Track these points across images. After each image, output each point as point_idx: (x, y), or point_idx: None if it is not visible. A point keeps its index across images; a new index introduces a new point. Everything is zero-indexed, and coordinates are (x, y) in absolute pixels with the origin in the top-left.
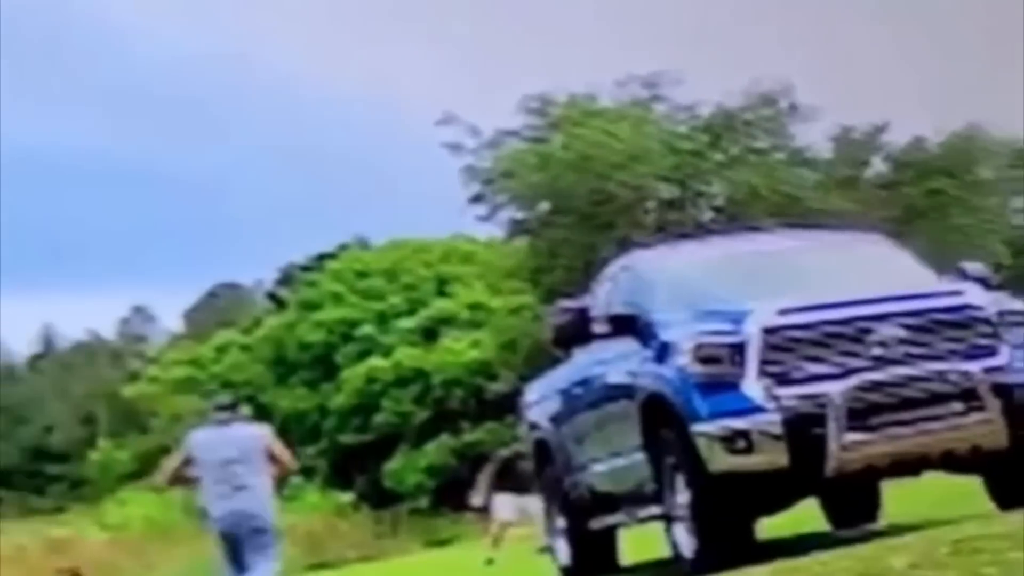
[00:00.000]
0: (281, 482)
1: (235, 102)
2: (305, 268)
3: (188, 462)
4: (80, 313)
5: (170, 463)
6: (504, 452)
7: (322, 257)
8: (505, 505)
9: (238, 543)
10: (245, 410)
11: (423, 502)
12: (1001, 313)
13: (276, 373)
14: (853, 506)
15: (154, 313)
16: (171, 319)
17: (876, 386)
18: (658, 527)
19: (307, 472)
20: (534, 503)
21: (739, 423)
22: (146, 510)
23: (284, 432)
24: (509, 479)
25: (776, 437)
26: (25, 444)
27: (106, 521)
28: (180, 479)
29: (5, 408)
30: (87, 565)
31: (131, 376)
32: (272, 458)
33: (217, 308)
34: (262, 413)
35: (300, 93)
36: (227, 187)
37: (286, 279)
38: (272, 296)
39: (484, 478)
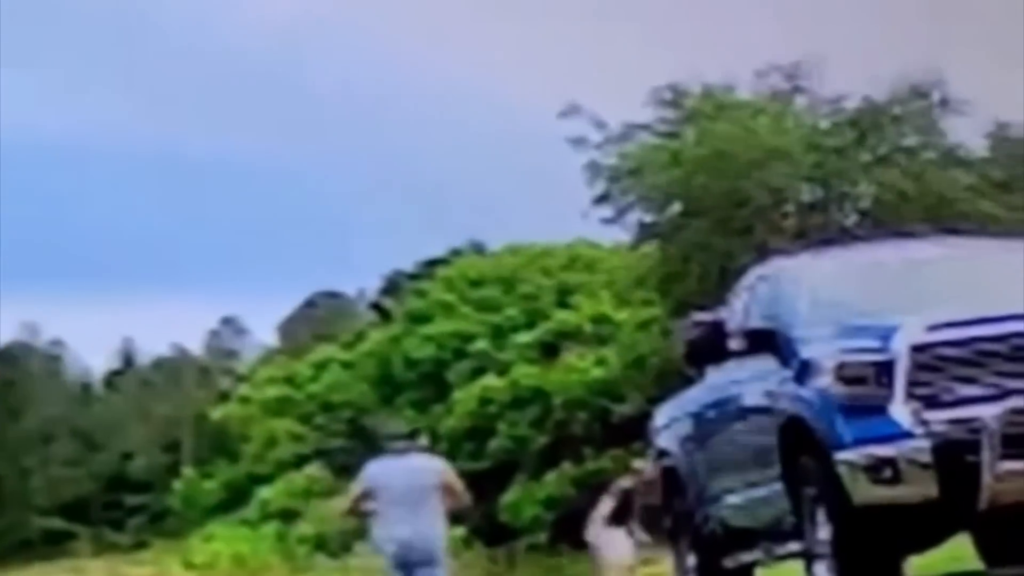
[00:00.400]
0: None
1: (339, 97)
2: (413, 276)
3: (367, 495)
4: (164, 325)
5: (351, 492)
6: (625, 481)
7: (432, 264)
8: (618, 543)
9: (408, 574)
10: (422, 440)
11: (541, 537)
12: None
13: (380, 393)
14: (1009, 542)
15: (246, 325)
16: (265, 332)
17: None
18: (798, 565)
19: None
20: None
21: (885, 450)
22: (235, 547)
23: None
24: (628, 513)
25: (925, 466)
26: (102, 472)
27: (191, 559)
28: (357, 511)
29: (80, 431)
30: None
31: (220, 396)
32: (448, 491)
33: (315, 320)
34: (364, 437)
35: (409, 85)
36: (329, 187)
37: (392, 288)
38: (376, 307)
39: (599, 511)
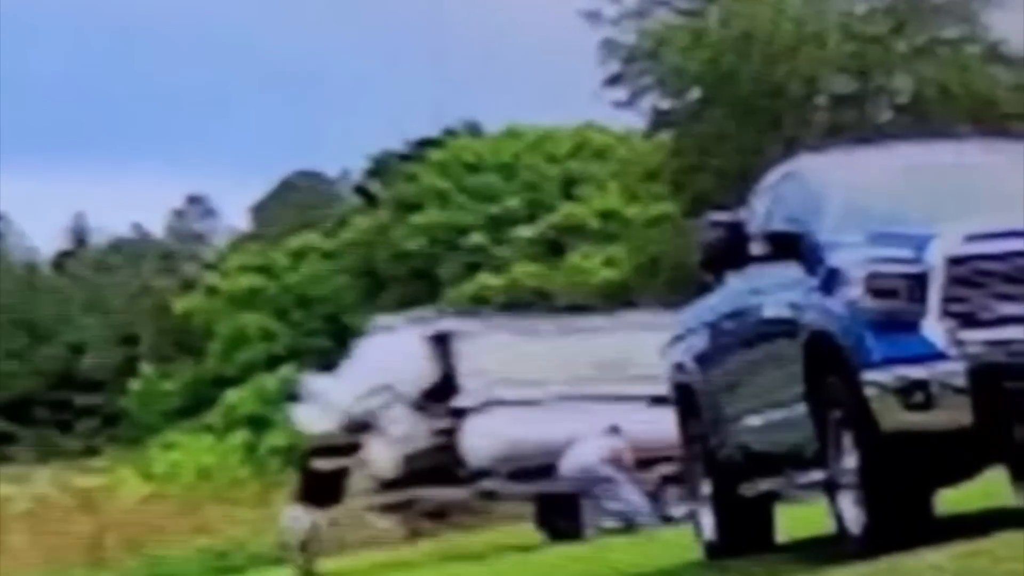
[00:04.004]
0: None
1: None
2: (403, 157)
3: None
4: (122, 202)
5: None
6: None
7: (424, 144)
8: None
9: None
10: None
11: None
12: None
13: (364, 288)
14: None
15: (215, 206)
16: (236, 214)
17: None
18: (820, 506)
19: None
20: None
21: (917, 372)
22: (199, 458)
23: None
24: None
25: (959, 390)
26: (48, 367)
27: (149, 469)
28: None
29: (23, 320)
30: (123, 525)
31: (184, 285)
32: None
33: (293, 203)
34: (344, 337)
35: None
36: (312, 55)
37: (379, 170)
38: (361, 191)
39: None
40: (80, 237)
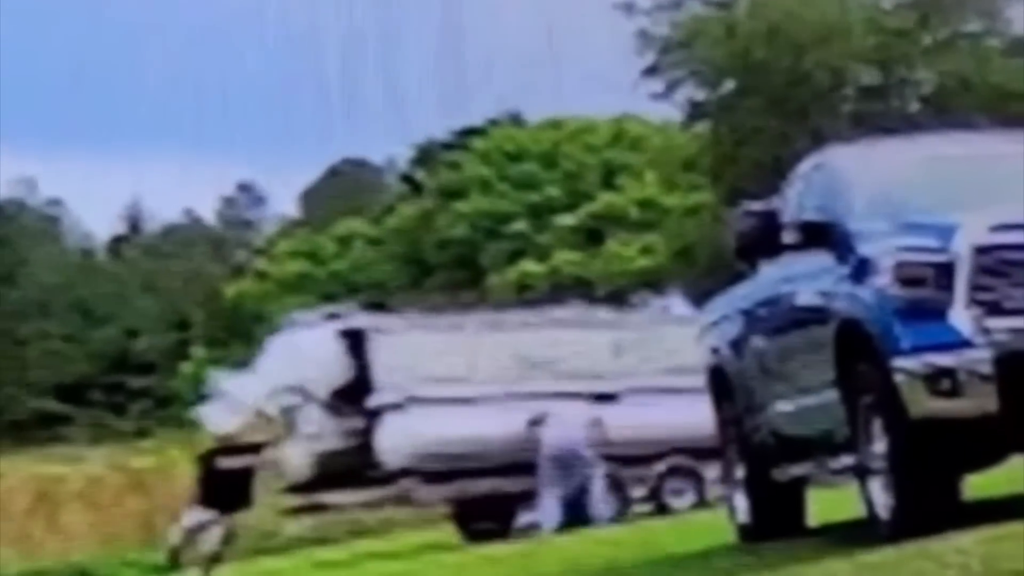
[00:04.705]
0: None
1: None
2: (447, 146)
3: None
4: (175, 189)
5: None
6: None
7: (467, 133)
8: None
9: None
10: None
11: None
12: None
13: (409, 274)
14: None
15: (264, 193)
16: (285, 201)
17: None
18: (851, 491)
19: None
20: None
21: (945, 360)
22: None
23: None
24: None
25: (986, 378)
26: (102, 350)
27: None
28: None
29: (79, 303)
30: (175, 504)
31: (234, 271)
32: None
33: (340, 190)
34: None
35: None
36: (360, 46)
37: (424, 159)
38: (407, 178)
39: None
40: (134, 223)
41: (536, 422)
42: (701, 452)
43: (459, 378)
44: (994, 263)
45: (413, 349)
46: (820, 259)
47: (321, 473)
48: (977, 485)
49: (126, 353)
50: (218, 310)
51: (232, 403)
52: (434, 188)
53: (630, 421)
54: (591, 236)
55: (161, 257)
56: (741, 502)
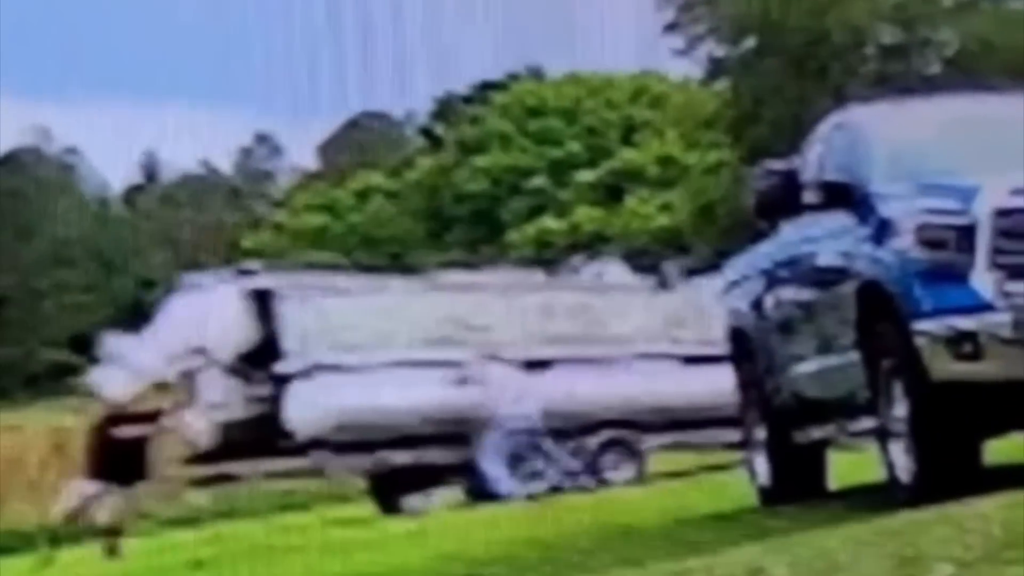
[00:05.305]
0: None
1: None
2: (467, 100)
3: None
4: (191, 138)
5: None
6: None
7: (487, 87)
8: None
9: None
10: None
11: None
12: None
13: (428, 229)
14: None
15: (281, 144)
16: (303, 153)
17: None
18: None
19: None
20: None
21: (966, 323)
22: None
23: None
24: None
25: (1007, 341)
26: (118, 299)
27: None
28: None
29: (95, 252)
30: None
31: (252, 222)
32: None
33: (359, 143)
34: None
35: None
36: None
37: (443, 112)
38: (426, 132)
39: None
40: (150, 172)
41: (463, 381)
42: (638, 425)
43: (377, 344)
44: (1015, 226)
45: (327, 312)
46: (841, 219)
47: (226, 442)
48: (998, 450)
49: (142, 303)
50: (235, 262)
51: (126, 367)
52: (453, 142)
53: (562, 390)
54: (611, 193)
55: (177, 207)
56: (761, 465)
